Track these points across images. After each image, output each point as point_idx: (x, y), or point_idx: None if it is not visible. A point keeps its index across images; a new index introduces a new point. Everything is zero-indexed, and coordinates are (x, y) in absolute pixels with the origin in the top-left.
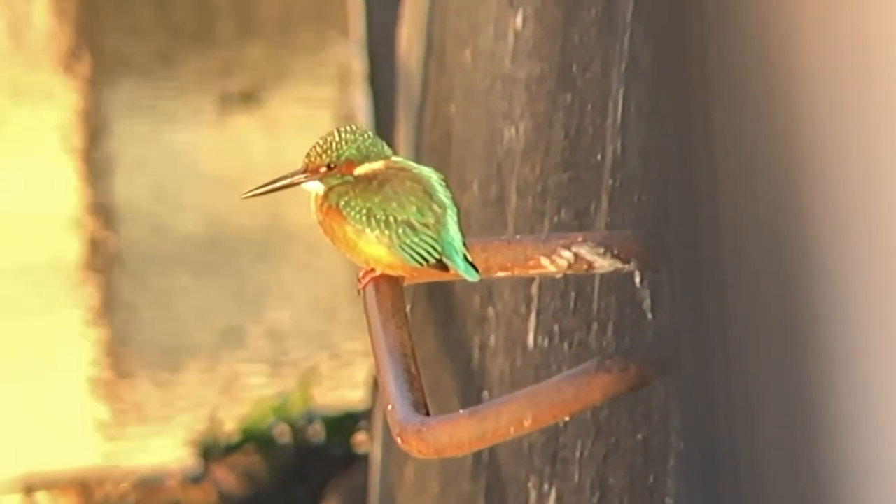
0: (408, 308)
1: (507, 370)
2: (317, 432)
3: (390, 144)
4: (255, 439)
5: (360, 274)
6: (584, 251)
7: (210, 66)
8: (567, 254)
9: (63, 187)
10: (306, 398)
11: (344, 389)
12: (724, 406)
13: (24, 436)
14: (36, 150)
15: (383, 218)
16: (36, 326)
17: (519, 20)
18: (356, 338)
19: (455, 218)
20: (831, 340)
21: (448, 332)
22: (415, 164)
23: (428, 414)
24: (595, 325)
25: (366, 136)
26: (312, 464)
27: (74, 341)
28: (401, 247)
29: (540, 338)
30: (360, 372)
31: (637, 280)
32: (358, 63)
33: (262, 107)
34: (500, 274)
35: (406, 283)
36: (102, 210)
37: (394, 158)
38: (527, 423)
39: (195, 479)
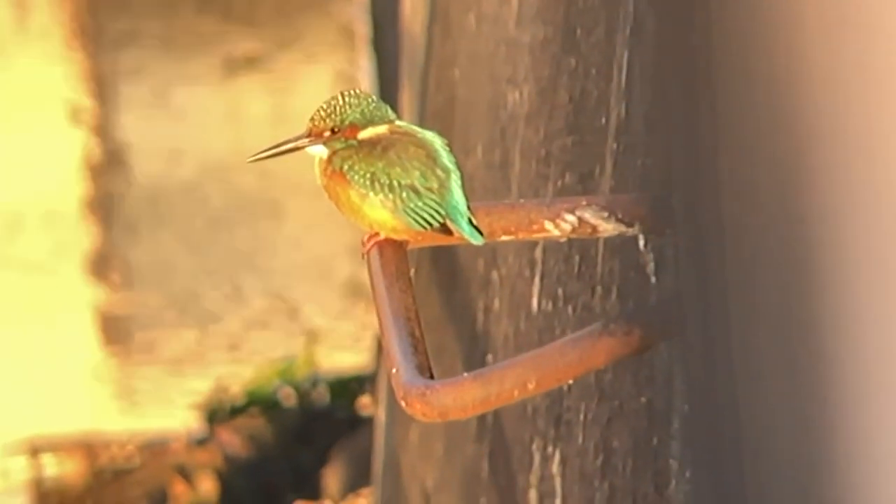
0: (412, 272)
1: (511, 334)
2: (321, 395)
3: (394, 109)
4: (260, 402)
5: (365, 238)
6: (588, 215)
7: (214, 29)
8: (571, 217)
9: (67, 146)
10: (311, 361)
11: (349, 353)
12: (727, 368)
13: (30, 398)
14: (39, 111)
15: (387, 182)
16: (41, 288)
17: None
18: (362, 301)
19: (459, 182)
20: (832, 301)
21: (452, 296)
22: (419, 129)
23: (432, 377)
24: (599, 289)
25: (370, 100)
26: (317, 427)
27: (80, 304)
28: (405, 211)
29: (544, 301)
30: (365, 335)
31: (641, 244)
32: (362, 27)
33: (266, 70)
34: (504, 238)
35: (410, 247)
36: (106, 169)
37: (398, 123)
38: (531, 387)
39: (200, 442)
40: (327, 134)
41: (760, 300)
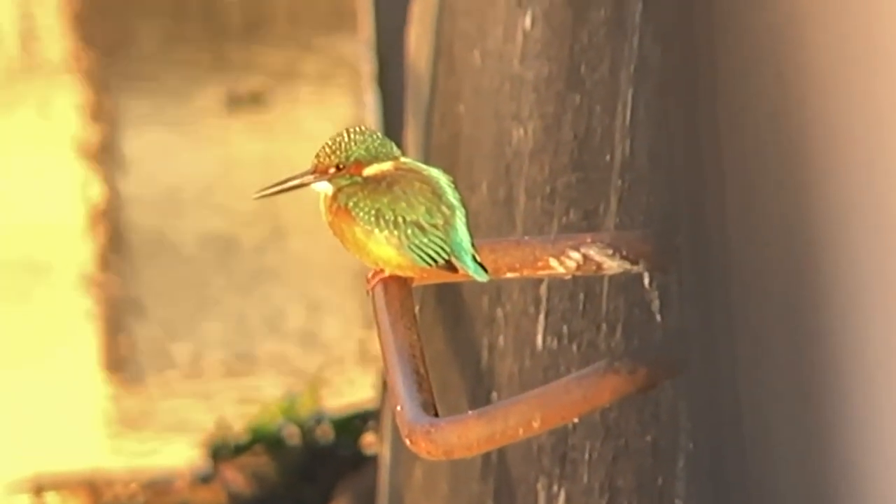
0: (417, 309)
1: (516, 371)
2: (325, 433)
3: (399, 145)
4: (264, 440)
5: (370, 275)
6: (593, 252)
7: (218, 66)
8: (576, 255)
9: (70, 183)
10: (315, 399)
11: (353, 390)
12: (732, 407)
13: (34, 436)
14: (44, 147)
15: (392, 219)
16: (45, 326)
17: (528, 21)
18: (366, 338)
19: (464, 219)
20: (840, 340)
21: (457, 333)
22: (424, 166)
23: (437, 415)
24: (604, 327)
25: (375, 136)
26: (321, 465)
27: (83, 341)
28: (410, 247)
29: (549, 339)
30: (370, 373)
31: (646, 281)
32: (367, 63)
33: (270, 107)
34: (509, 275)
35: (415, 283)
36: (110, 207)
37: (403, 159)
38: (535, 425)
39: (204, 480)
40: (332, 170)
41: (768, 337)
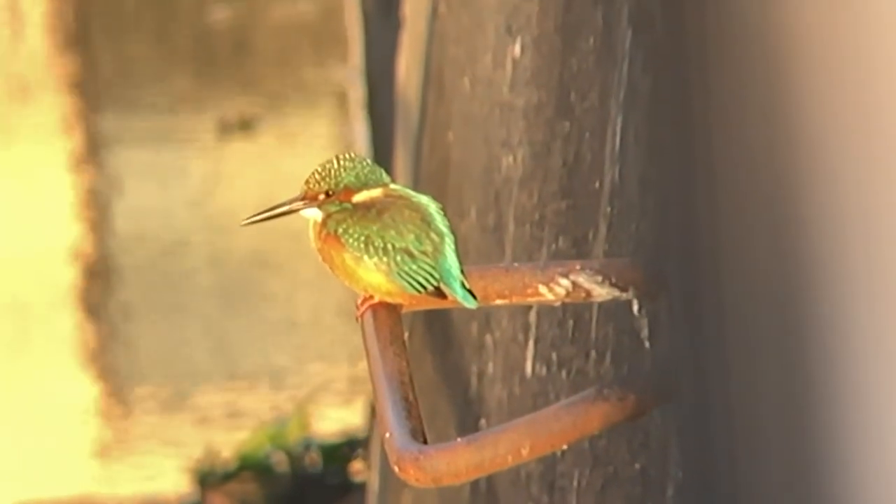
0: (406, 335)
1: (505, 398)
2: (314, 460)
3: (388, 172)
4: (252, 467)
5: (359, 301)
6: (582, 279)
7: (208, 93)
8: (565, 282)
9: (59, 218)
10: (303, 426)
11: (342, 417)
12: (723, 435)
13: (19, 464)
14: (31, 182)
15: (381, 245)
16: (31, 354)
17: (517, 48)
18: (354, 365)
19: (453, 246)
20: (835, 368)
21: (446, 360)
22: (413, 193)
23: (425, 442)
24: (593, 354)
25: (364, 163)
26: (309, 492)
27: (70, 369)
28: (399, 274)
29: (538, 366)
30: (358, 399)
31: (635, 308)
32: (357, 90)
33: (260, 134)
34: (498, 302)
35: (404, 310)
36: (99, 239)
37: (392, 186)
38: (525, 452)
39: None
40: (322, 197)
41: (760, 365)
